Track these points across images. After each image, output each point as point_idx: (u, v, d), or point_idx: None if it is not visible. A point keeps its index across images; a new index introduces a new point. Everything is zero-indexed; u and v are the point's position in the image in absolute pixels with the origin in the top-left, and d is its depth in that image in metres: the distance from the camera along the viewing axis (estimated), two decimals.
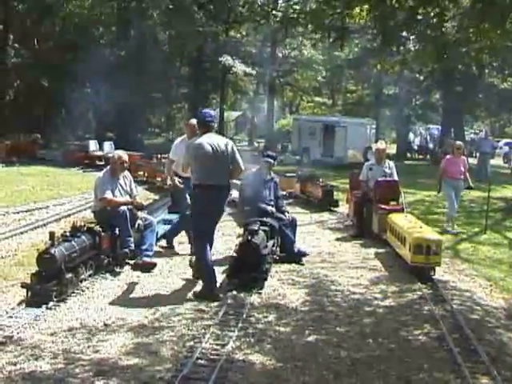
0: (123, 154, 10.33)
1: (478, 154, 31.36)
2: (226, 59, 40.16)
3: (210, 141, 8.60)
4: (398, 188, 13.05)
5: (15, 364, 6.08)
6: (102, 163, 26.43)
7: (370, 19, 11.67)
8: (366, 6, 10.61)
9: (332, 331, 7.33)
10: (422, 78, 42.84)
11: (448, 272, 10.38)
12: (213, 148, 8.54)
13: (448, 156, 14.73)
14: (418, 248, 9.72)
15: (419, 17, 10.71)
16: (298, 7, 11.90)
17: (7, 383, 5.70)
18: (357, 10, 10.72)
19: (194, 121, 10.31)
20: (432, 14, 10.73)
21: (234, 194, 16.70)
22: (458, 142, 15.54)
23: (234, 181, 9.71)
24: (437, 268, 9.92)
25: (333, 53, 45.20)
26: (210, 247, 8.76)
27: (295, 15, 11.48)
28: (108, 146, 30.08)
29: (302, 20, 11.40)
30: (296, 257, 10.61)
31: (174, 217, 12.20)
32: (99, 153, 29.23)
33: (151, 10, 40.10)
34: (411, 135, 46.78)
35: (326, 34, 11.57)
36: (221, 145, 8.66)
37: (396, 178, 13.34)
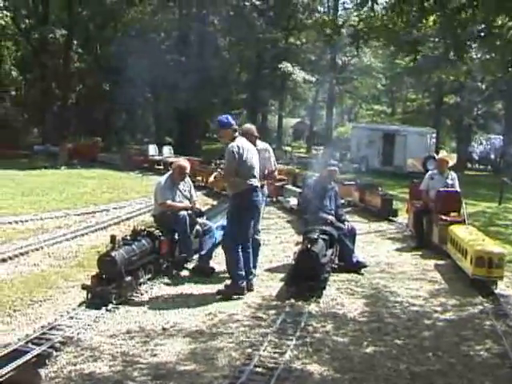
0: (186, 164, 10.39)
1: None
2: (286, 66, 40.23)
3: (247, 145, 8.92)
4: (460, 199, 12.74)
5: (75, 364, 6.18)
6: (161, 167, 26.74)
7: (439, 30, 11.43)
8: (434, 17, 10.34)
9: (390, 343, 7.22)
10: (484, 86, 42.05)
11: (511, 286, 10.11)
12: (251, 151, 8.93)
13: None
14: (480, 261, 9.50)
15: (494, 29, 10.43)
16: (368, 20, 11.61)
17: (67, 383, 5.78)
18: (429, 22, 10.47)
19: (248, 126, 10.30)
20: (508, 25, 10.44)
21: (293, 201, 16.81)
22: None
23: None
24: (499, 282, 9.69)
25: (393, 60, 44.74)
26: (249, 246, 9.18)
27: (366, 29, 11.28)
28: (167, 150, 30.40)
29: (372, 34, 11.22)
30: (354, 267, 10.49)
31: None
32: (158, 157, 29.55)
33: (212, 17, 40.48)
34: (473, 145, 45.94)
35: (398, 48, 11.39)
36: (254, 148, 9.12)
37: (458, 189, 13.06)
